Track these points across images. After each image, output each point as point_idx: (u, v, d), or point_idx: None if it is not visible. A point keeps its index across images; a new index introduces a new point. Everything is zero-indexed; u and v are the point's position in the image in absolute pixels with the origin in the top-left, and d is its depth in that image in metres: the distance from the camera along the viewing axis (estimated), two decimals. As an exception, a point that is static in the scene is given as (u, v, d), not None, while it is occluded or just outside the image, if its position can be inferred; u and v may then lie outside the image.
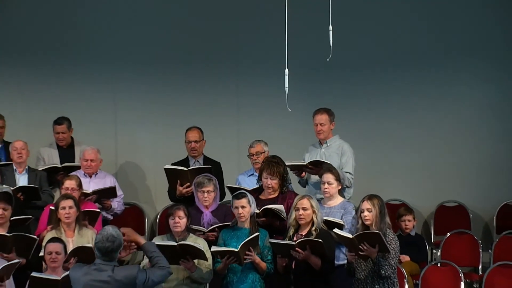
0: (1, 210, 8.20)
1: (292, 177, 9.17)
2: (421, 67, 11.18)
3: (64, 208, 8.23)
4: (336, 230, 7.76)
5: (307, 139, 9.54)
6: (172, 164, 9.45)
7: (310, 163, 8.85)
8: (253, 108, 11.21)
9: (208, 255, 7.86)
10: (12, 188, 9.00)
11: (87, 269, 6.59)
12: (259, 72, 11.07)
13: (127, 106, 11.30)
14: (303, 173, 9.08)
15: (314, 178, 8.96)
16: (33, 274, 7.37)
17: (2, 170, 9.21)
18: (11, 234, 8.03)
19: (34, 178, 9.46)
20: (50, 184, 9.63)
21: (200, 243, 7.85)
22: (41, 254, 7.86)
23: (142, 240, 7.03)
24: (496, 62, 11.13)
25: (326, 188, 8.36)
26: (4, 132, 10.25)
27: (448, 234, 10.28)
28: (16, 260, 7.53)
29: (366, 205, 7.74)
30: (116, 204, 9.51)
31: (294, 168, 8.97)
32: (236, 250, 7.70)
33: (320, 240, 7.68)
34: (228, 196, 9.15)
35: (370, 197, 7.79)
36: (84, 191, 8.99)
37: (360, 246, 7.52)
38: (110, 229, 6.65)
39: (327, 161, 8.80)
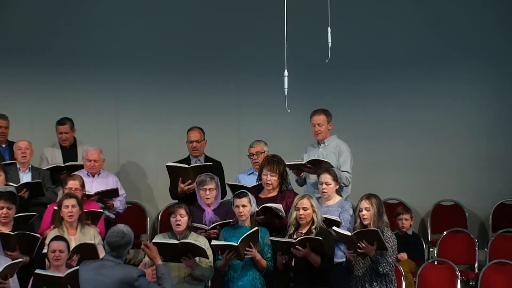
0: (5, 210, 8.21)
1: (291, 176, 9.18)
2: (418, 68, 11.19)
3: (67, 207, 8.24)
4: (335, 228, 7.78)
5: (306, 139, 9.54)
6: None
7: (309, 162, 8.86)
8: (253, 108, 11.22)
9: (209, 253, 7.86)
10: (16, 185, 9.00)
11: (93, 263, 6.64)
12: (259, 73, 11.07)
13: (129, 106, 11.31)
14: (302, 173, 9.09)
15: (313, 177, 8.97)
16: (37, 271, 7.37)
17: (6, 169, 9.21)
18: (15, 232, 8.05)
19: (37, 177, 9.46)
20: (53, 183, 9.64)
21: (201, 241, 7.85)
22: (45, 251, 7.86)
23: (159, 260, 7.09)
24: (494, 61, 11.14)
25: (324, 189, 8.38)
26: (8, 132, 10.26)
27: (445, 232, 10.28)
28: (20, 260, 7.55)
29: (364, 204, 7.75)
30: (119, 203, 9.51)
31: (293, 167, 8.98)
32: (236, 244, 7.71)
33: (320, 238, 7.69)
34: (229, 195, 9.16)
35: (368, 197, 7.81)
36: (86, 192, 8.99)
37: (358, 244, 7.53)
38: (121, 226, 6.74)
39: (325, 160, 8.82)
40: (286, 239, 7.82)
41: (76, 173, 9.31)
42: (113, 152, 11.00)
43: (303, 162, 8.88)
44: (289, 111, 7.42)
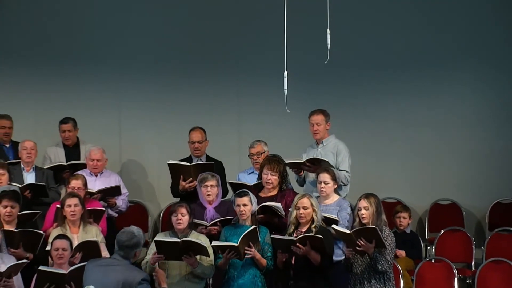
0: (9, 208, 8.22)
1: (291, 176, 9.20)
2: (416, 68, 11.18)
3: (69, 206, 8.25)
4: (334, 226, 7.79)
5: (306, 139, 9.55)
6: (175, 163, 9.49)
7: (308, 160, 8.87)
8: (253, 109, 11.22)
9: (210, 251, 7.87)
10: (20, 186, 9.01)
11: (101, 261, 6.67)
12: (259, 74, 11.07)
13: (131, 106, 11.30)
14: (301, 172, 9.10)
15: (311, 176, 8.97)
16: (41, 267, 7.38)
17: (10, 168, 9.21)
18: (18, 229, 8.06)
19: (41, 176, 9.47)
20: (56, 182, 9.65)
21: (202, 240, 7.86)
22: (48, 249, 7.87)
23: (165, 285, 7.34)
24: (492, 61, 11.13)
25: (322, 188, 8.39)
26: (12, 132, 10.27)
27: (442, 231, 10.30)
28: (25, 260, 7.55)
29: (363, 203, 7.76)
30: (121, 202, 9.52)
31: (293, 166, 8.99)
32: (236, 244, 7.72)
33: (320, 236, 7.70)
34: (230, 194, 9.17)
35: (367, 196, 7.81)
36: (89, 190, 9.00)
37: (357, 242, 7.54)
38: (133, 228, 6.79)
39: (324, 159, 8.83)
40: (286, 237, 7.82)
41: (79, 172, 9.32)
42: (115, 151, 10.99)
43: (303, 161, 8.89)
44: (288, 111, 7.41)
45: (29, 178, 9.46)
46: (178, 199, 9.19)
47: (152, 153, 11.24)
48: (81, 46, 11.22)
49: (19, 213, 8.36)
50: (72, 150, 10.24)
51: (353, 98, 11.20)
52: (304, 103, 10.03)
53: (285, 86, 7.18)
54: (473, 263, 10.13)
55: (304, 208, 7.87)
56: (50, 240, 7.99)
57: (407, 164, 11.17)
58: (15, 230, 8.05)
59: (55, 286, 7.30)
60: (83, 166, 9.67)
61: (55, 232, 8.15)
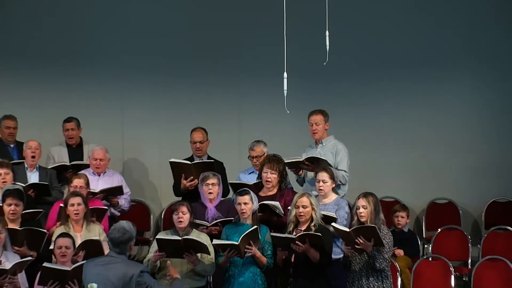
0: (13, 206, 8.22)
1: (291, 176, 9.20)
2: (415, 69, 11.21)
3: (72, 205, 8.25)
4: (334, 224, 7.78)
5: (305, 139, 9.55)
6: (177, 162, 9.49)
7: (307, 159, 8.88)
8: (253, 109, 11.24)
9: (211, 249, 7.87)
10: (23, 185, 9.02)
11: (99, 260, 6.66)
12: (260, 75, 11.08)
13: (134, 107, 11.32)
14: (301, 171, 9.10)
15: (311, 175, 8.98)
16: (45, 264, 7.38)
17: (14, 168, 9.22)
18: (22, 228, 8.07)
19: (44, 176, 9.48)
20: (59, 181, 9.66)
21: (203, 238, 7.86)
22: (51, 247, 7.88)
23: (177, 275, 7.32)
24: (490, 62, 11.15)
25: (321, 186, 8.39)
26: (16, 133, 10.28)
27: (439, 229, 10.30)
28: (29, 258, 7.55)
29: (362, 202, 7.75)
30: (124, 201, 9.53)
31: (292, 165, 8.99)
32: (237, 243, 7.72)
33: (319, 234, 7.70)
34: (231, 194, 9.17)
35: (365, 195, 7.80)
36: (91, 190, 9.01)
37: (356, 240, 7.54)
38: (123, 223, 6.76)
39: (323, 158, 8.84)
40: (286, 235, 7.83)
41: (82, 172, 9.32)
42: (117, 151, 11.01)
43: (302, 160, 8.89)
44: (288, 112, 7.43)
45: (33, 177, 9.47)
46: (179, 198, 9.20)
47: (154, 153, 11.25)
48: (84, 47, 11.23)
49: (22, 212, 8.37)
50: (76, 150, 10.26)
51: (352, 98, 11.21)
52: (303, 104, 10.04)
53: (285, 87, 7.18)
54: (469, 261, 10.13)
55: (304, 206, 7.87)
56: (53, 238, 7.98)
57: (405, 164, 11.17)
58: (19, 229, 8.06)
59: (58, 283, 7.31)
60: (86, 166, 9.68)
61: (58, 230, 8.16)
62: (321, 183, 8.39)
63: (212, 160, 9.39)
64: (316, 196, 8.39)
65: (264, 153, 9.35)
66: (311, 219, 7.89)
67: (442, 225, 10.38)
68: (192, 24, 11.23)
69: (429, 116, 11.20)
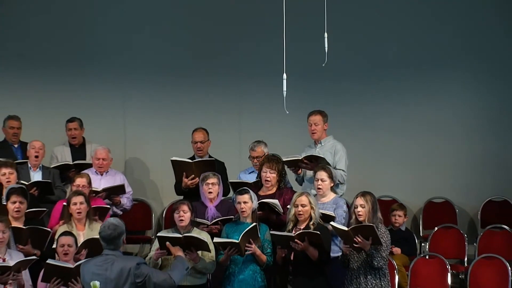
0: (18, 204, 8.21)
1: (291, 175, 9.20)
2: (410, 71, 11.19)
3: (75, 204, 8.24)
4: (332, 223, 7.78)
5: (304, 139, 9.55)
6: (179, 162, 9.49)
7: (306, 158, 8.88)
8: (253, 110, 11.23)
9: (211, 247, 7.87)
10: (26, 183, 9.02)
11: (96, 260, 6.64)
12: (259, 77, 11.07)
13: (135, 107, 11.31)
14: (300, 170, 9.09)
15: (310, 174, 8.98)
16: (49, 261, 7.37)
17: (18, 168, 9.21)
18: (27, 227, 8.06)
19: (47, 175, 9.47)
20: (62, 180, 9.65)
21: (203, 236, 7.86)
22: (54, 246, 7.87)
23: (179, 253, 7.39)
24: (486, 63, 11.13)
25: (319, 185, 8.39)
26: (20, 133, 10.27)
27: (436, 228, 10.31)
28: (34, 257, 7.56)
29: (360, 201, 7.75)
30: (126, 200, 9.52)
31: (291, 164, 8.99)
32: (237, 241, 7.72)
33: (318, 232, 7.69)
34: (231, 193, 9.16)
35: (363, 194, 7.80)
36: (93, 189, 9.00)
37: (354, 239, 7.54)
38: (111, 219, 6.78)
39: (321, 156, 8.84)
40: (285, 233, 7.82)
41: (85, 171, 9.31)
42: (119, 151, 11.00)
43: (300, 158, 8.89)
44: (287, 112, 7.43)
45: (36, 177, 9.46)
46: (181, 197, 9.20)
47: (156, 153, 11.24)
48: (87, 48, 11.22)
49: (26, 210, 8.36)
50: (78, 149, 10.25)
51: (350, 98, 11.20)
52: (303, 104, 10.05)
53: (284, 88, 7.17)
54: (465, 259, 10.13)
55: (303, 205, 7.87)
56: (56, 237, 7.98)
57: (402, 164, 11.17)
58: (24, 227, 8.06)
59: (61, 280, 7.31)
60: (89, 166, 9.67)
61: (61, 229, 8.15)
62: (319, 182, 8.39)
63: (213, 158, 9.40)
64: (315, 195, 8.38)
65: (265, 154, 9.35)
66: (310, 217, 7.88)
67: (439, 224, 10.38)
68: (192, 25, 11.22)
69: (426, 116, 11.19)
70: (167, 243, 7.52)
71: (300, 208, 7.87)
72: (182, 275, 6.89)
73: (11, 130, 10.21)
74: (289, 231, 7.88)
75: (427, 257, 9.56)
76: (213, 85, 11.24)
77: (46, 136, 10.29)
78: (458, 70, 11.18)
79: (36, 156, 9.52)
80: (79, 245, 7.82)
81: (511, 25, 11.08)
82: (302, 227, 7.86)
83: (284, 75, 7.17)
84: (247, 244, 7.76)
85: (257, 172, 9.10)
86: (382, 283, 7.67)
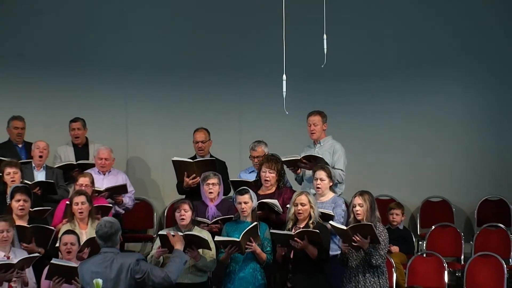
0: (22, 202, 8.21)
1: (290, 175, 9.19)
2: (408, 70, 11.20)
3: (77, 204, 8.24)
4: (331, 222, 7.77)
5: (304, 140, 9.55)
6: (181, 162, 9.49)
7: (304, 157, 8.88)
8: (253, 110, 11.23)
9: (212, 245, 7.87)
10: (30, 183, 9.02)
11: (95, 259, 6.64)
12: (260, 78, 11.08)
13: (138, 108, 11.31)
14: (299, 170, 9.09)
15: (309, 174, 8.97)
16: (53, 260, 7.38)
17: (22, 167, 9.21)
18: (31, 225, 8.06)
19: (51, 175, 9.48)
20: (65, 180, 9.66)
21: (204, 234, 7.86)
22: (57, 245, 7.87)
23: (178, 246, 7.11)
24: (483, 62, 11.13)
25: (318, 184, 8.39)
26: (24, 133, 10.27)
27: (433, 227, 10.31)
28: (37, 254, 7.57)
29: (358, 200, 7.74)
30: (128, 199, 9.52)
31: (290, 164, 8.98)
32: (238, 239, 7.71)
33: (317, 230, 7.69)
34: (232, 192, 9.15)
35: (362, 193, 7.79)
36: (96, 188, 8.99)
37: (353, 237, 7.53)
38: (106, 218, 6.82)
39: (319, 156, 8.83)
40: (285, 232, 7.82)
41: (88, 171, 9.31)
42: (122, 151, 11.00)
43: (299, 158, 8.89)
44: (287, 113, 7.43)
45: (40, 176, 9.47)
46: (183, 196, 9.19)
47: (157, 152, 11.24)
48: (89, 48, 11.22)
49: (31, 209, 8.37)
50: (81, 149, 10.26)
51: (347, 102, 11.21)
52: (301, 105, 10.05)
53: (284, 89, 7.17)
54: (462, 257, 10.13)
55: (302, 204, 7.87)
56: (59, 235, 7.98)
57: (400, 163, 11.17)
58: (28, 226, 8.07)
59: (64, 278, 7.31)
60: (92, 165, 9.68)
61: (64, 227, 8.16)
62: (318, 181, 8.39)
63: (213, 158, 9.41)
64: (314, 194, 8.38)
65: (265, 153, 9.35)
66: (310, 216, 7.88)
67: (436, 223, 10.38)
68: (193, 26, 11.22)
69: (424, 116, 11.19)
70: (168, 231, 7.44)
71: (299, 207, 7.87)
72: (180, 270, 6.82)
73: (15, 130, 10.21)
74: (289, 230, 7.87)
75: (424, 255, 9.56)
76: (214, 85, 11.24)
77: (49, 136, 10.28)
78: (457, 70, 11.18)
79: (40, 156, 9.53)
80: (81, 243, 7.81)
81: (511, 25, 11.06)
82: (301, 226, 7.85)
83: (284, 76, 7.18)
84: (247, 242, 7.76)
85: (257, 171, 9.09)
86: (381, 281, 7.67)
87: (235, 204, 8.11)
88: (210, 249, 7.85)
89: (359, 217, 7.70)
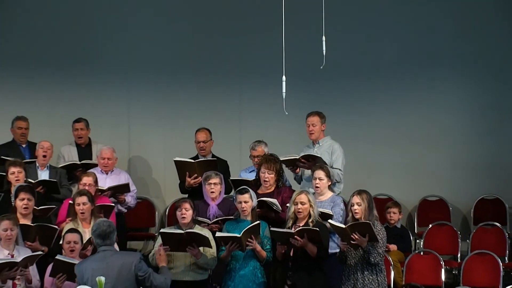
0: (26, 200, 8.21)
1: (290, 174, 9.18)
2: (405, 76, 11.18)
3: (78, 204, 8.23)
4: (330, 221, 7.77)
5: (302, 140, 9.55)
6: (183, 162, 9.48)
7: (303, 157, 8.87)
8: (253, 111, 11.22)
9: (213, 244, 7.87)
10: (33, 181, 9.01)
11: (94, 256, 6.65)
12: (260, 79, 11.07)
13: (139, 109, 11.30)
14: (298, 169, 9.08)
15: (308, 173, 8.96)
16: (58, 257, 7.40)
17: (26, 167, 9.20)
18: (35, 224, 8.06)
19: (54, 174, 9.47)
20: (69, 179, 9.65)
21: (205, 232, 7.85)
22: (61, 242, 7.87)
23: (163, 263, 7.44)
24: (477, 65, 11.10)
25: (317, 184, 8.38)
26: (28, 133, 10.26)
27: (430, 225, 10.29)
28: (40, 252, 7.58)
29: (356, 199, 7.73)
30: (130, 198, 9.51)
31: (289, 163, 8.98)
32: (239, 236, 7.70)
33: (317, 229, 7.69)
34: (233, 191, 9.14)
35: (360, 192, 7.78)
36: (99, 187, 8.99)
37: (352, 236, 7.52)
38: (102, 219, 7.00)
39: (318, 155, 8.82)
40: (285, 230, 7.82)
41: (90, 170, 9.30)
42: (124, 151, 11.00)
43: (297, 157, 8.88)
44: (287, 113, 7.43)
45: (43, 176, 9.47)
46: (184, 195, 9.18)
47: (159, 152, 11.23)
48: (92, 50, 11.22)
49: (37, 208, 8.37)
50: (85, 149, 10.25)
51: (346, 102, 11.19)
52: (300, 106, 10.03)
53: (284, 90, 7.17)
54: (459, 255, 10.12)
55: (302, 203, 7.86)
56: (63, 234, 7.97)
57: (397, 163, 11.15)
58: (32, 224, 8.06)
59: (68, 275, 7.30)
60: (95, 165, 9.68)
61: (67, 226, 8.15)
62: (317, 181, 8.38)
63: (215, 158, 9.41)
64: (313, 193, 8.37)
65: (265, 153, 9.34)
66: (309, 215, 7.87)
67: (433, 221, 10.37)
68: (194, 27, 11.22)
69: (421, 117, 11.17)
70: (159, 248, 7.59)
71: (299, 206, 7.86)
72: (167, 285, 6.97)
73: (19, 130, 10.20)
74: (289, 228, 7.86)
75: (421, 253, 9.56)
76: (215, 87, 11.23)
77: (53, 136, 10.26)
78: (455, 70, 11.15)
79: (44, 156, 9.52)
80: (84, 241, 7.80)
81: (508, 26, 11.04)
82: (301, 225, 7.85)
83: (284, 78, 7.18)
84: (248, 239, 7.75)
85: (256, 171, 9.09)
86: (379, 279, 7.66)
87: (236, 203, 8.11)
88: (210, 247, 7.85)
89: (357, 216, 7.69)
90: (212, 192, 8.50)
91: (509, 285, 8.70)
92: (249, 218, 8.02)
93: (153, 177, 11.31)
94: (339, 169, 9.00)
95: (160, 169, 11.21)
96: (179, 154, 9.74)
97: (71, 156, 10.12)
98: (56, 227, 8.18)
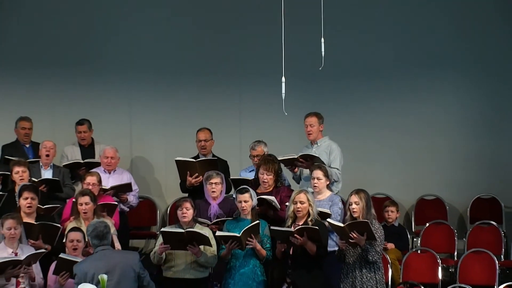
0: (29, 199, 8.21)
1: (289, 174, 9.17)
2: (402, 74, 11.16)
3: (81, 204, 8.23)
4: (329, 220, 7.77)
5: (302, 140, 9.54)
6: (184, 161, 9.47)
7: (301, 156, 8.88)
8: (253, 111, 11.20)
9: (213, 242, 7.87)
10: (36, 180, 8.99)
11: (94, 256, 6.66)
12: (260, 79, 11.05)
13: (141, 109, 11.29)
14: (296, 169, 9.08)
15: (307, 173, 8.96)
16: (61, 255, 7.41)
17: (29, 166, 9.19)
18: (38, 223, 8.06)
19: (57, 173, 9.47)
20: (72, 178, 9.65)
21: (205, 231, 7.85)
22: (64, 241, 7.86)
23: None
24: (475, 66, 11.08)
25: (315, 183, 8.38)
26: (32, 133, 10.25)
27: (427, 224, 10.29)
28: (43, 250, 7.59)
29: (354, 198, 7.73)
30: (132, 197, 9.50)
31: (287, 163, 8.97)
32: (239, 235, 7.69)
33: (316, 227, 7.68)
34: (233, 190, 9.13)
35: (357, 191, 7.78)
36: (102, 187, 8.97)
37: (350, 234, 7.51)
38: (97, 220, 7.10)
39: (316, 155, 8.81)
40: (285, 229, 7.81)
41: (93, 170, 9.29)
42: (126, 150, 10.97)
43: (296, 157, 8.87)
44: (286, 114, 7.41)
45: (47, 175, 9.47)
46: (185, 194, 9.17)
47: (160, 152, 11.22)
48: (94, 50, 11.21)
49: (42, 206, 8.36)
50: (87, 149, 10.24)
51: (344, 103, 11.18)
52: (300, 106, 10.01)
53: (283, 90, 7.16)
54: (455, 253, 10.12)
55: (301, 202, 7.86)
56: (66, 232, 7.95)
57: (395, 162, 11.15)
58: (35, 223, 8.06)
59: (70, 273, 7.29)
60: (97, 165, 9.66)
61: (70, 225, 8.15)
62: (315, 180, 8.38)
63: (215, 158, 9.41)
64: (312, 193, 8.36)
65: (265, 153, 9.34)
66: (308, 214, 7.86)
67: (430, 220, 10.37)
68: (194, 27, 11.20)
69: (419, 117, 11.15)
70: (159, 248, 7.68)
71: (298, 205, 7.86)
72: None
73: (22, 130, 10.19)
74: (288, 227, 7.85)
75: (419, 251, 9.56)
76: (215, 88, 11.22)
77: (56, 136, 10.27)
78: (453, 71, 11.13)
79: (48, 155, 9.51)
80: (87, 240, 7.79)
81: (507, 26, 11.03)
82: (300, 223, 7.84)
83: (283, 78, 7.18)
84: (248, 238, 7.74)
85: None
86: (377, 276, 7.66)
87: (236, 202, 8.11)
88: (211, 245, 7.85)
89: (355, 215, 7.69)
90: (213, 191, 8.49)
91: (504, 282, 8.73)
92: (249, 217, 8.02)
93: (154, 176, 11.30)
94: (337, 169, 9.00)
95: (161, 169, 11.20)
96: (180, 153, 9.73)
97: (74, 156, 10.11)
98: (59, 225, 8.18)
